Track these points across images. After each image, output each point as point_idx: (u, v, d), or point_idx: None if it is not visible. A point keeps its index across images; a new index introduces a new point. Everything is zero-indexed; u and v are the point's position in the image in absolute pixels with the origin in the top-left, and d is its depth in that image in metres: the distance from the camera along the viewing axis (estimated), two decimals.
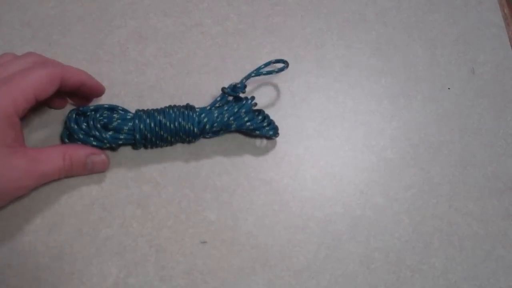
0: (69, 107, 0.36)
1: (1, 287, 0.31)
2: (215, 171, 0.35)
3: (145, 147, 0.34)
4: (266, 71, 0.36)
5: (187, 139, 0.34)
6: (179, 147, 0.35)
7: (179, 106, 0.34)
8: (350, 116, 0.38)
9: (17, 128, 0.28)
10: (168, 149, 0.35)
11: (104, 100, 0.36)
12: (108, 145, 0.32)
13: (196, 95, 0.37)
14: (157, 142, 0.33)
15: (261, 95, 0.37)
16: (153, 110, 0.33)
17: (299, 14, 0.41)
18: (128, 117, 0.33)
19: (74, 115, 0.32)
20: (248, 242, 0.33)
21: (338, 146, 0.37)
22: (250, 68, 0.38)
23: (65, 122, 0.33)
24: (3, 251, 0.31)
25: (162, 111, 0.33)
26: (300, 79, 0.39)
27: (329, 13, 0.41)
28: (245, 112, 0.34)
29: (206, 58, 0.38)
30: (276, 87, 0.38)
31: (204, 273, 0.32)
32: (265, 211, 0.34)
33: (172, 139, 0.33)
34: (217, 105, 0.35)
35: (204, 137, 0.35)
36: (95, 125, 0.32)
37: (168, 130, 0.33)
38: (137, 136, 0.32)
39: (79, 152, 0.31)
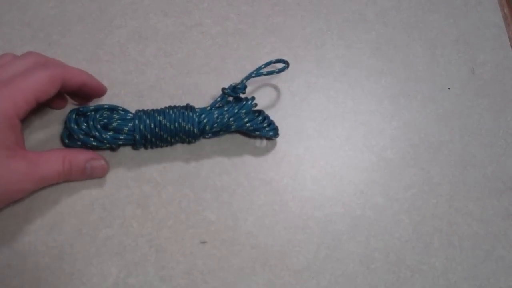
0: (69, 107, 0.36)
1: (1, 287, 0.31)
2: (215, 171, 0.35)
3: (145, 147, 0.34)
4: (267, 72, 0.36)
5: (187, 140, 0.34)
6: (179, 147, 0.35)
7: (179, 106, 0.34)
8: (350, 116, 0.38)
9: (17, 130, 0.28)
10: (168, 149, 0.35)
11: (104, 100, 0.36)
12: (108, 145, 0.32)
13: (196, 95, 0.37)
14: (157, 142, 0.33)
15: (261, 96, 0.37)
16: (153, 110, 0.33)
17: (299, 14, 0.41)
18: (128, 117, 0.33)
19: (74, 115, 0.32)
20: (248, 242, 0.33)
21: (338, 146, 0.37)
22: (250, 68, 0.38)
23: (65, 122, 0.33)
24: (3, 251, 0.31)
25: (162, 111, 0.33)
26: (300, 79, 0.39)
27: (329, 13, 0.41)
28: (245, 113, 0.34)
29: (206, 58, 0.38)
30: (276, 87, 0.38)
31: (204, 273, 0.32)
32: (265, 211, 0.34)
33: (172, 140, 0.33)
34: (217, 105, 0.35)
35: (204, 138, 0.35)
36: (95, 126, 0.32)
37: (168, 130, 0.33)
38: (137, 136, 0.32)
39: (79, 157, 0.31)
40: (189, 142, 0.34)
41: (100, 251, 0.32)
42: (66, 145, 0.33)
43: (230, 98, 0.35)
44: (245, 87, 0.35)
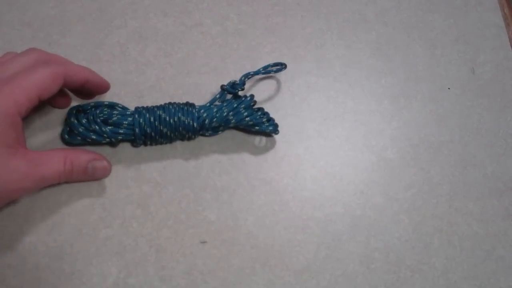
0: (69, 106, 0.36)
1: (1, 287, 0.31)
2: (215, 171, 0.35)
3: (145, 143, 0.34)
4: (265, 71, 0.36)
5: (187, 135, 0.34)
6: (179, 146, 0.35)
7: (179, 102, 0.34)
8: (350, 116, 0.38)
9: (18, 128, 0.28)
10: (168, 148, 0.35)
11: (104, 99, 0.36)
12: (107, 139, 0.32)
13: (196, 95, 0.37)
14: (157, 137, 0.33)
15: (261, 95, 0.37)
16: (153, 106, 0.33)
17: (299, 14, 0.41)
18: (128, 112, 0.33)
19: (74, 111, 0.33)
20: (248, 242, 0.33)
21: (338, 146, 0.37)
22: (250, 68, 0.38)
23: (66, 119, 0.33)
24: (3, 251, 0.31)
25: (162, 106, 0.33)
26: (300, 79, 0.39)
27: (329, 13, 0.41)
28: (244, 108, 0.34)
29: (206, 58, 0.38)
30: (276, 87, 0.38)
31: (204, 273, 0.32)
32: (265, 211, 0.34)
33: (172, 135, 0.33)
34: (216, 102, 0.35)
35: (204, 135, 0.35)
36: (95, 120, 0.32)
37: (167, 125, 0.33)
38: (137, 130, 0.32)
39: (81, 157, 0.31)
40: (188, 139, 0.34)
41: (100, 251, 0.32)
42: (66, 141, 0.33)
43: (229, 96, 0.35)
44: (244, 83, 0.35)
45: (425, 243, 0.35)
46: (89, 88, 0.32)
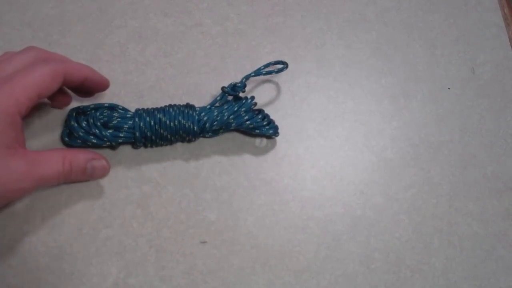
0: (69, 106, 0.36)
1: (1, 287, 0.31)
2: (215, 171, 0.35)
3: (145, 146, 0.34)
4: (266, 71, 0.36)
5: (187, 138, 0.34)
6: (179, 147, 0.35)
7: (179, 105, 0.34)
8: (350, 116, 0.38)
9: (17, 128, 0.28)
10: (168, 149, 0.35)
11: (104, 100, 0.36)
12: (108, 143, 0.32)
13: (196, 95, 0.37)
14: (157, 140, 0.33)
15: (261, 95, 0.37)
16: (153, 108, 0.33)
17: (299, 14, 0.41)
18: (128, 115, 0.33)
19: (74, 114, 0.33)
20: (248, 242, 0.33)
21: (338, 146, 0.37)
22: (250, 68, 0.38)
23: (65, 121, 0.33)
24: (3, 251, 0.31)
25: (162, 109, 0.33)
26: (300, 79, 0.39)
27: (329, 13, 0.41)
28: (245, 111, 0.34)
29: (206, 58, 0.38)
30: (276, 87, 0.38)
31: (204, 273, 0.32)
32: (265, 211, 0.34)
33: (172, 138, 0.33)
34: (216, 104, 0.35)
35: (204, 137, 0.35)
36: (95, 123, 0.32)
37: (168, 128, 0.33)
38: (137, 134, 0.32)
39: (79, 157, 0.31)
40: (189, 141, 0.34)
41: (100, 251, 0.32)
42: (66, 144, 0.33)
43: (230, 97, 0.35)
44: (245, 85, 0.35)
45: (425, 243, 0.35)
46: (88, 86, 0.32)
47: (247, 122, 0.34)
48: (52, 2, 0.39)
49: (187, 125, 0.33)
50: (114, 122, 0.32)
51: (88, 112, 0.33)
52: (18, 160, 0.27)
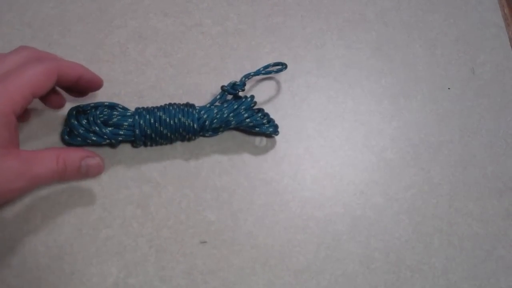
0: (68, 106, 0.36)
1: (1, 287, 0.31)
2: (215, 171, 0.35)
3: (145, 144, 0.34)
4: (265, 71, 0.36)
5: (187, 136, 0.34)
6: (179, 146, 0.35)
7: (179, 103, 0.34)
8: (350, 116, 0.38)
9: (12, 128, 0.28)
10: (168, 148, 0.35)
11: (104, 99, 0.36)
12: (108, 140, 0.32)
13: (196, 95, 0.37)
14: (157, 138, 0.33)
15: (261, 95, 0.37)
16: (153, 107, 0.33)
17: (299, 14, 0.41)
18: (128, 113, 0.33)
19: (74, 112, 0.33)
20: (248, 242, 0.33)
21: (338, 146, 0.37)
22: (250, 68, 0.38)
23: (66, 119, 0.33)
24: (3, 251, 0.31)
25: (162, 107, 0.33)
26: (300, 79, 0.39)
27: (329, 13, 0.41)
28: (244, 109, 0.34)
29: (206, 58, 0.38)
30: (276, 87, 0.38)
31: (204, 273, 0.32)
32: (265, 211, 0.34)
33: (172, 136, 0.33)
34: (216, 103, 0.35)
35: (204, 136, 0.35)
36: (95, 121, 0.32)
37: (168, 126, 0.33)
38: (137, 131, 0.32)
39: (73, 155, 0.30)
40: (188, 139, 0.34)
41: (100, 251, 0.32)
42: (66, 142, 0.33)
43: (230, 96, 0.35)
44: (244, 84, 0.35)
45: (425, 243, 0.35)
46: (82, 85, 0.32)
47: (247, 120, 0.34)
48: (52, 2, 0.39)
49: (187, 123, 0.33)
50: (114, 120, 0.32)
51: (88, 111, 0.33)
52: (12, 160, 0.27)
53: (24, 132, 0.34)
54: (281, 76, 0.38)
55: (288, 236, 0.34)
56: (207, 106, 0.34)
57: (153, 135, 0.33)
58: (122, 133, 0.32)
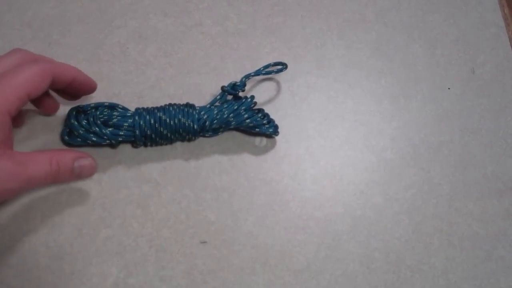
0: (67, 107, 0.36)
1: (1, 287, 0.31)
2: (215, 171, 0.35)
3: (145, 145, 0.34)
4: (265, 71, 0.36)
5: (187, 137, 0.34)
6: (179, 146, 0.35)
7: (179, 104, 0.34)
8: (350, 116, 0.38)
9: (6, 128, 0.27)
10: (168, 148, 0.35)
11: (103, 100, 0.36)
12: (108, 141, 0.32)
13: (196, 95, 0.37)
14: (157, 139, 0.33)
15: (261, 95, 0.37)
16: (153, 107, 0.33)
17: (299, 14, 0.41)
18: (128, 114, 0.33)
19: (74, 112, 0.33)
20: (248, 242, 0.33)
21: (338, 146, 0.37)
22: (250, 68, 0.38)
23: (65, 120, 0.33)
24: (3, 251, 0.31)
25: (162, 108, 0.33)
26: (300, 79, 0.39)
27: (329, 13, 0.41)
28: (244, 110, 0.34)
29: (206, 58, 0.38)
30: (276, 87, 0.38)
31: (204, 273, 0.32)
32: (265, 211, 0.34)
33: (172, 136, 0.33)
34: (216, 103, 0.35)
35: (204, 136, 0.35)
36: (95, 122, 0.32)
37: (168, 126, 0.33)
38: (137, 132, 0.32)
39: (66, 156, 0.30)
40: (189, 140, 0.34)
41: (100, 251, 0.32)
42: (66, 142, 0.33)
43: (230, 97, 0.35)
44: (244, 84, 0.35)
45: (425, 243, 0.35)
46: (76, 87, 0.32)
47: (247, 121, 0.34)
48: (52, 2, 0.39)
49: (187, 124, 0.33)
50: (114, 120, 0.32)
51: (88, 111, 0.33)
52: (6, 160, 0.27)
53: (24, 132, 0.34)
54: (281, 76, 0.38)
55: (288, 236, 0.34)
56: (207, 106, 0.34)
57: (153, 136, 0.33)
58: (122, 133, 0.33)
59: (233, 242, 0.33)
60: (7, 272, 0.31)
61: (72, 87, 0.32)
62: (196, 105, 0.34)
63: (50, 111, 0.34)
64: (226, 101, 0.35)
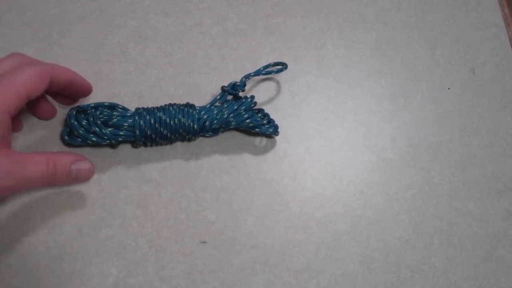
0: (67, 108, 0.36)
1: (1, 287, 0.31)
2: (215, 171, 0.35)
3: (145, 145, 0.34)
4: (265, 71, 0.36)
5: (187, 137, 0.34)
6: (179, 146, 0.35)
7: (179, 104, 0.34)
8: (350, 116, 0.38)
9: (5, 127, 0.28)
10: (168, 148, 0.35)
11: (103, 100, 0.36)
12: (108, 141, 0.32)
13: (196, 95, 0.37)
14: (157, 139, 0.33)
15: (261, 95, 0.37)
16: (153, 107, 0.33)
17: (299, 14, 0.41)
18: (128, 114, 0.33)
19: (74, 112, 0.33)
20: (248, 242, 0.33)
21: (338, 146, 0.37)
22: (250, 68, 0.38)
23: (65, 120, 0.33)
24: (3, 251, 0.31)
25: (162, 108, 0.33)
26: (300, 79, 0.39)
27: (329, 13, 0.41)
28: (244, 110, 0.34)
29: (206, 58, 0.38)
30: (276, 87, 0.38)
31: (204, 273, 0.32)
32: (265, 211, 0.34)
33: (172, 136, 0.33)
34: (216, 103, 0.35)
35: (204, 136, 0.35)
36: (95, 122, 0.32)
37: (168, 126, 0.33)
38: (137, 132, 0.32)
39: (63, 158, 0.30)
40: (189, 140, 0.34)
41: (100, 251, 0.32)
42: (66, 142, 0.33)
43: (230, 97, 0.35)
44: (244, 84, 0.35)
45: (425, 243, 0.35)
46: (73, 89, 0.32)
47: (247, 121, 0.34)
48: (52, 2, 0.39)
49: (187, 124, 0.33)
50: (114, 120, 0.32)
51: (88, 111, 0.33)
52: (3, 158, 0.27)
53: (24, 132, 0.34)
54: (281, 76, 0.38)
55: (288, 236, 0.34)
56: (207, 106, 0.34)
57: (153, 136, 0.33)
58: (122, 133, 0.33)
59: (233, 242, 0.33)
60: (7, 272, 0.31)
61: (69, 89, 0.32)
62: (196, 105, 0.34)
63: (47, 116, 0.35)
64: (226, 101, 0.35)
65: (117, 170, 0.34)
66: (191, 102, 0.34)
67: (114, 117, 0.33)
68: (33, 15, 0.38)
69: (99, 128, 0.32)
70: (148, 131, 0.33)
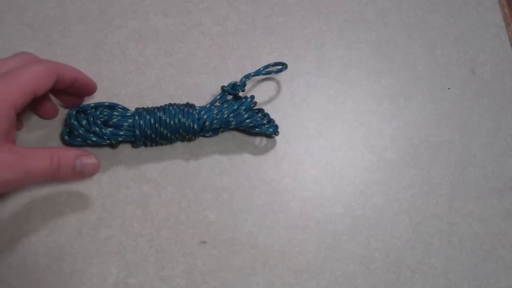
0: (66, 110, 0.36)
1: (1, 287, 0.31)
2: (215, 171, 0.35)
3: (145, 144, 0.34)
4: (265, 71, 0.36)
5: (187, 137, 0.34)
6: (179, 146, 0.35)
7: (179, 104, 0.34)
8: (350, 116, 0.38)
9: (10, 122, 0.28)
10: (168, 149, 0.35)
11: (103, 100, 0.36)
12: (108, 141, 0.32)
13: (196, 95, 0.37)
14: (157, 139, 0.33)
15: (261, 95, 0.37)
16: (153, 107, 0.33)
17: (299, 14, 0.41)
18: (128, 114, 0.33)
19: (74, 112, 0.33)
20: (248, 242, 0.33)
21: (338, 146, 0.37)
22: (250, 68, 0.38)
23: (66, 120, 0.33)
24: (3, 251, 0.31)
25: (162, 108, 0.33)
26: (300, 79, 0.39)
27: (329, 13, 0.41)
28: (244, 110, 0.34)
29: (206, 58, 0.38)
30: (276, 87, 0.38)
31: (204, 273, 0.32)
32: (265, 211, 0.34)
33: (172, 136, 0.33)
34: (216, 103, 0.35)
35: (204, 136, 0.35)
36: (95, 121, 0.32)
37: (168, 126, 0.33)
38: (137, 132, 0.32)
39: (68, 153, 0.30)
40: (189, 140, 0.34)
41: (100, 251, 0.32)
42: (66, 142, 0.33)
43: (230, 97, 0.35)
44: (244, 84, 0.35)
45: (425, 243, 0.35)
46: (78, 88, 0.33)
47: (247, 121, 0.34)
48: (52, 2, 0.39)
49: (187, 124, 0.33)
50: (114, 120, 0.32)
51: (88, 111, 0.33)
52: (6, 152, 0.27)
53: (24, 132, 0.34)
54: (281, 76, 0.38)
55: (288, 236, 0.34)
56: (207, 106, 0.34)
57: (153, 136, 0.33)
58: (122, 133, 0.33)
59: (233, 242, 0.33)
60: (7, 272, 0.31)
61: (74, 88, 0.32)
62: (196, 105, 0.34)
63: (49, 116, 0.35)
64: (226, 101, 0.35)
65: (117, 170, 0.34)
66: (191, 102, 0.34)
67: (114, 117, 0.33)
68: (33, 15, 0.38)
69: (99, 128, 0.32)
70: (148, 131, 0.33)
